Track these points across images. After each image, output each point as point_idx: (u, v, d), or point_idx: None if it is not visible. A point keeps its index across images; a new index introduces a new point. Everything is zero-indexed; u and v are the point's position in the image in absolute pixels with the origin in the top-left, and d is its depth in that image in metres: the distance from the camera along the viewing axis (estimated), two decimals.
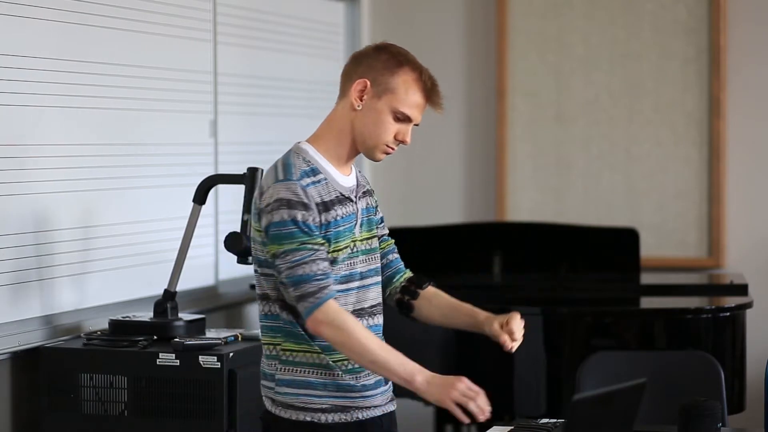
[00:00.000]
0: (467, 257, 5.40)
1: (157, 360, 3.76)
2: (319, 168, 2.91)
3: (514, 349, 2.98)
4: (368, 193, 3.04)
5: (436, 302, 3.11)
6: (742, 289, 4.92)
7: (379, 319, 3.01)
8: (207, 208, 4.30)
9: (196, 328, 3.99)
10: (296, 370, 2.90)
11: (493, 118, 5.84)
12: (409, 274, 3.14)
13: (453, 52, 5.89)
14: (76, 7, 3.97)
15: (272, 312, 2.92)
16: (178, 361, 3.74)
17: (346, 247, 2.91)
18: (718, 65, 5.57)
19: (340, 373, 2.90)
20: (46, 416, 3.83)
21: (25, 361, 3.84)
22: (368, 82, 2.91)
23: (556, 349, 4.49)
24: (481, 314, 3.06)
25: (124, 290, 4.23)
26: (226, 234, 3.84)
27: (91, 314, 4.09)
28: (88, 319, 4.07)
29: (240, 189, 3.93)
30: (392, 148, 2.94)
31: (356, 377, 2.92)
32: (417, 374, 2.78)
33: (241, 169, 3.96)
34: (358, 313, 2.93)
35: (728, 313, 4.53)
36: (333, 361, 2.90)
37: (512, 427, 3.25)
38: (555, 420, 3.24)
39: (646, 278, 5.26)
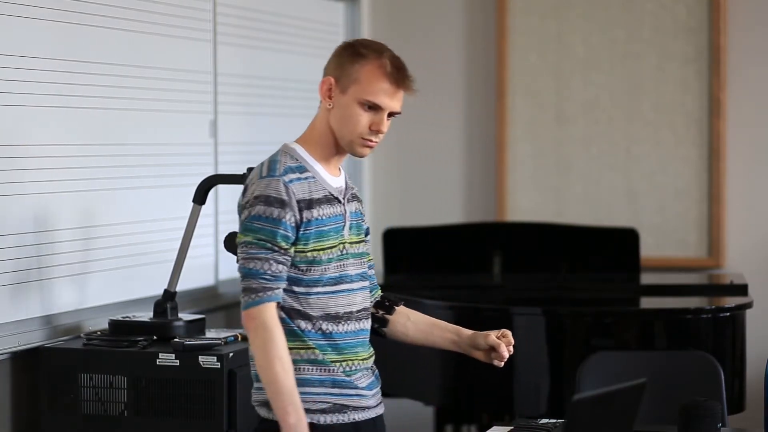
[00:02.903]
0: (467, 257, 5.40)
1: (157, 360, 3.76)
2: (307, 167, 2.91)
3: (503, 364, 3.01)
4: (357, 198, 3.04)
5: (414, 318, 3.11)
6: (742, 289, 4.92)
7: (367, 324, 2.99)
8: (207, 208, 4.31)
9: (196, 328, 3.99)
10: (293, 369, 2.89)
11: (493, 118, 5.84)
12: (380, 292, 3.14)
13: (453, 52, 5.89)
14: (75, 7, 3.97)
15: None
16: (178, 361, 3.74)
17: (332, 248, 2.90)
18: (718, 65, 5.57)
19: (334, 368, 2.90)
20: (46, 416, 3.83)
21: (25, 361, 3.84)
22: (333, 80, 2.93)
23: (556, 349, 4.49)
24: (467, 330, 3.06)
25: (124, 290, 4.23)
26: (226, 234, 3.84)
27: (91, 314, 4.09)
28: (88, 319, 4.07)
29: (240, 189, 3.92)
30: (371, 140, 2.92)
31: (351, 375, 2.93)
32: (292, 415, 2.78)
33: (240, 169, 3.96)
34: (347, 316, 2.92)
35: (728, 313, 4.53)
36: (329, 360, 2.90)
37: (512, 427, 3.25)
38: (555, 420, 3.24)
39: (646, 278, 5.26)
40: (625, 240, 5.28)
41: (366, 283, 3.02)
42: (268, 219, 2.82)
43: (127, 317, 4.00)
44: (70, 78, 3.94)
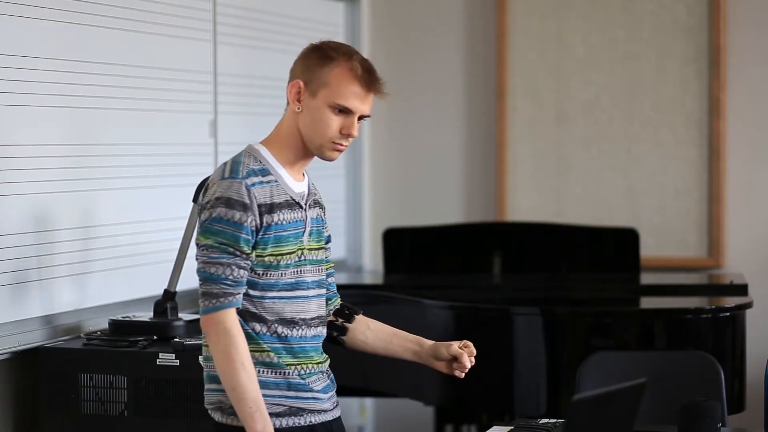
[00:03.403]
0: (467, 257, 5.40)
1: (157, 360, 3.76)
2: (270, 170, 2.88)
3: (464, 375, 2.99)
4: (319, 204, 3.01)
5: (374, 327, 3.08)
6: (742, 289, 4.91)
7: (322, 330, 2.97)
8: None
9: (196, 328, 3.98)
10: None
11: (493, 118, 5.84)
12: (340, 301, 3.12)
13: (453, 52, 5.89)
14: (76, 7, 3.97)
15: None
16: (178, 361, 3.74)
17: (291, 254, 2.87)
18: (718, 65, 5.57)
19: (289, 371, 2.88)
20: (46, 416, 3.83)
21: (25, 361, 3.84)
22: (301, 83, 2.89)
23: (556, 349, 4.49)
24: (429, 341, 3.03)
25: (124, 290, 4.23)
26: None
27: (91, 314, 4.09)
28: (88, 319, 4.07)
29: None
30: (342, 144, 2.89)
31: (305, 379, 2.91)
32: (258, 422, 2.76)
33: None
34: (302, 322, 2.90)
35: (728, 313, 4.52)
36: (284, 363, 2.88)
37: (512, 427, 3.25)
38: (555, 420, 3.24)
39: (646, 278, 5.26)
40: (625, 240, 5.28)
41: (323, 291, 2.99)
42: (230, 222, 2.79)
43: (127, 317, 4.00)
44: (70, 78, 3.94)
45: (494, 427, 3.29)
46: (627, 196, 5.70)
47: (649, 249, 5.54)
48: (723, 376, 3.83)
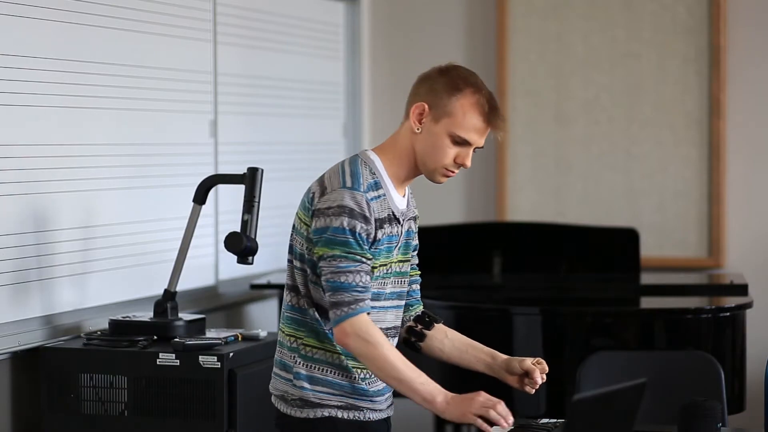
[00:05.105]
0: (467, 257, 5.40)
1: (157, 360, 3.76)
2: (382, 184, 2.92)
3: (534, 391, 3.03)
4: (414, 218, 3.05)
5: (452, 336, 3.11)
6: (742, 289, 4.92)
7: (393, 342, 3.01)
8: (207, 208, 4.31)
9: (196, 328, 3.99)
10: (315, 367, 2.92)
11: None
12: (422, 308, 3.16)
13: (453, 52, 5.89)
14: (76, 7, 3.97)
15: (300, 305, 2.94)
16: (178, 361, 3.74)
17: (382, 266, 2.92)
18: (718, 65, 5.57)
19: (356, 377, 2.93)
20: (46, 416, 3.83)
21: (25, 361, 3.84)
22: (426, 106, 2.91)
23: (556, 349, 4.49)
24: (502, 354, 3.07)
25: (124, 290, 4.23)
26: (226, 234, 3.84)
27: (91, 314, 4.09)
28: (88, 319, 4.07)
29: (240, 189, 3.93)
30: (452, 171, 2.93)
31: (369, 383, 2.96)
32: (438, 395, 2.80)
33: (241, 169, 3.96)
34: None
35: (728, 313, 4.53)
36: (352, 366, 2.93)
37: (512, 427, 3.24)
38: (555, 420, 3.24)
39: (646, 278, 5.26)
40: (625, 240, 5.28)
41: (401, 302, 3.03)
42: (353, 232, 2.82)
43: (127, 317, 4.00)
44: (70, 78, 3.94)
45: (494, 426, 3.28)
46: (627, 196, 5.70)
47: (649, 249, 5.54)
48: (723, 376, 3.83)
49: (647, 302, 5.05)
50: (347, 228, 2.81)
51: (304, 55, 5.45)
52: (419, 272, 3.13)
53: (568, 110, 5.76)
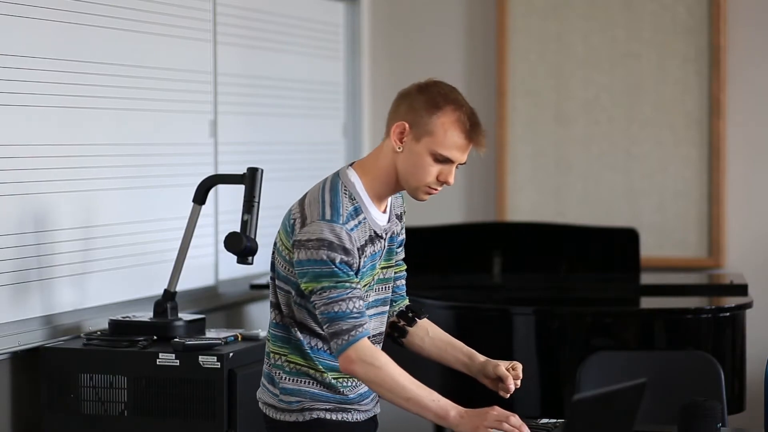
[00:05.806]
0: (467, 257, 5.40)
1: (157, 360, 3.76)
2: (362, 207, 2.91)
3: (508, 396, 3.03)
4: (399, 215, 3.06)
5: (432, 333, 3.12)
6: (742, 289, 4.91)
7: (379, 348, 3.01)
8: (207, 208, 4.31)
9: (196, 328, 3.99)
10: (301, 381, 2.95)
11: (493, 118, 5.83)
12: (407, 302, 3.16)
13: (453, 52, 5.89)
14: (76, 7, 3.97)
15: (284, 323, 2.95)
16: (178, 361, 3.74)
17: (366, 285, 2.93)
18: (718, 65, 5.57)
19: (340, 389, 2.95)
20: (46, 416, 3.83)
21: (25, 361, 3.84)
22: (407, 125, 2.89)
23: (556, 349, 4.49)
24: (480, 356, 3.07)
25: (124, 290, 4.23)
26: (226, 234, 3.84)
27: (91, 314, 4.09)
28: (88, 319, 4.07)
29: (240, 189, 3.93)
30: (435, 189, 2.93)
31: (351, 390, 2.98)
32: (450, 410, 2.80)
33: (241, 169, 3.96)
34: None
35: (728, 313, 4.52)
36: (334, 379, 2.94)
37: None
38: (555, 420, 3.24)
39: (646, 278, 5.26)
40: (625, 240, 5.28)
41: (385, 308, 3.04)
42: (334, 262, 2.80)
43: (127, 317, 4.00)
44: (70, 78, 3.94)
45: None
46: (627, 196, 5.70)
47: (649, 249, 5.54)
48: (723, 376, 3.83)
49: (647, 302, 5.05)
50: (327, 260, 2.80)
51: (304, 55, 5.45)
52: (405, 267, 3.13)
53: (568, 110, 5.75)
